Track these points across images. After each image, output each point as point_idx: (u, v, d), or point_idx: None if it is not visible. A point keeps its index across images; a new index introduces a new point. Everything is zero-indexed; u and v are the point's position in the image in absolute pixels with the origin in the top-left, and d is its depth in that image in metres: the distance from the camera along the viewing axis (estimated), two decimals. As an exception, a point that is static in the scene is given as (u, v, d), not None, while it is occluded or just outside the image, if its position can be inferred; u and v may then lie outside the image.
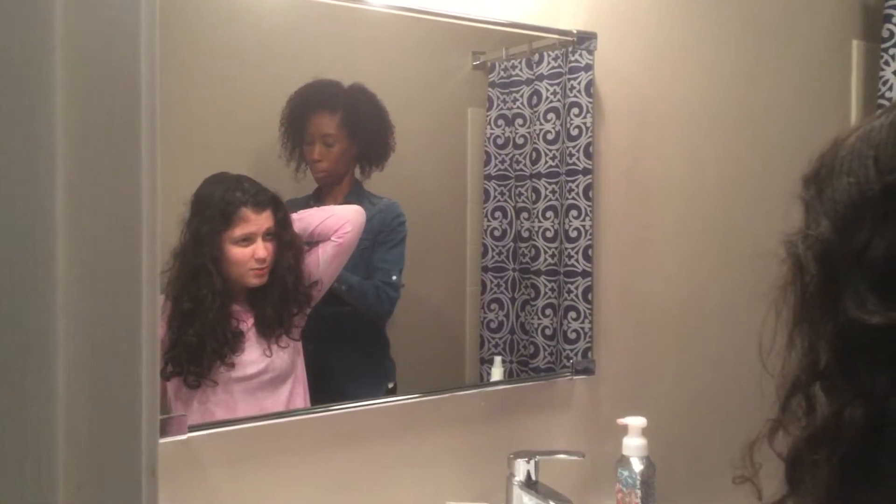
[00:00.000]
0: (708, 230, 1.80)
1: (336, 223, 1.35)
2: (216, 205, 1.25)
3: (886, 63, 1.90)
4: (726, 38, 1.82)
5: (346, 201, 1.39)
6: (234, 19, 1.29)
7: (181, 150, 1.22)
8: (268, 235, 1.29)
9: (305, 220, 1.35)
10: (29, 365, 0.38)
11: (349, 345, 1.43)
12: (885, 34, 1.90)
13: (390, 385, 1.45)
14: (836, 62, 1.99)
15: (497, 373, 1.56)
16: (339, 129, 1.38)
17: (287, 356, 1.33)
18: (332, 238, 1.35)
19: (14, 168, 0.38)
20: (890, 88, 1.87)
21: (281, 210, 1.31)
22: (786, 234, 0.67)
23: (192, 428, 1.20)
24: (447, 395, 1.48)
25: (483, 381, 1.56)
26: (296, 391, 1.34)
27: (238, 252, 1.27)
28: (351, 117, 1.38)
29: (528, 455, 1.42)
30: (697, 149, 1.79)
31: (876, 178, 0.60)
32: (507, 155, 1.57)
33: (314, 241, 1.35)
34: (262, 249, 1.28)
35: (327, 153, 1.37)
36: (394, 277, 1.43)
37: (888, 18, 1.89)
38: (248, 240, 1.27)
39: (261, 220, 1.28)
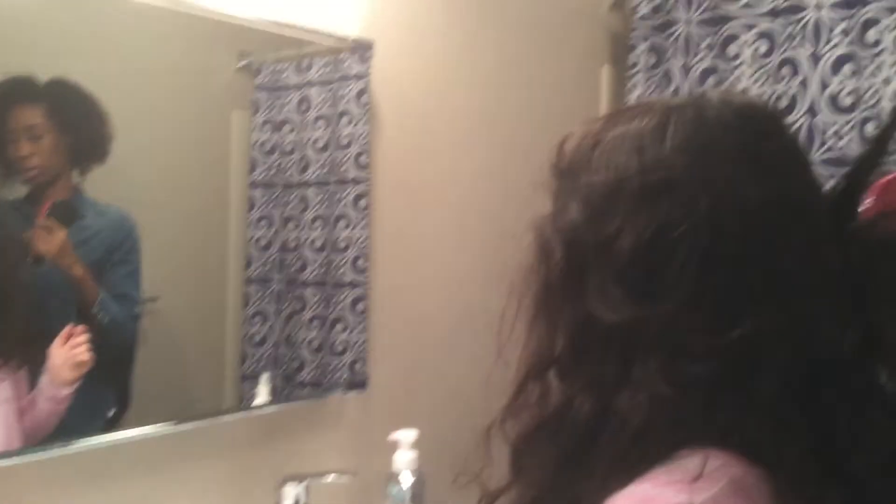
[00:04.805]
0: (482, 244, 1.83)
1: None
2: None
3: (632, 88, 2.05)
4: (500, 57, 1.87)
5: (65, 208, 1.21)
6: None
7: None
8: None
9: None
10: None
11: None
12: (632, 61, 2.05)
13: (110, 413, 1.30)
14: (588, 84, 2.12)
15: (263, 392, 1.48)
16: (46, 119, 1.20)
17: None
18: None
19: None
20: (635, 111, 2.03)
21: None
22: (534, 220, 0.66)
23: None
24: (207, 421, 1.37)
25: (246, 399, 1.47)
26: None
27: None
28: (56, 105, 1.21)
29: (298, 479, 1.36)
30: (473, 163, 1.82)
31: (637, 174, 0.60)
32: (274, 162, 1.50)
33: None
34: None
35: (36, 147, 1.19)
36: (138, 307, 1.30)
37: (633, 47, 2.05)
38: None
39: None
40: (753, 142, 0.60)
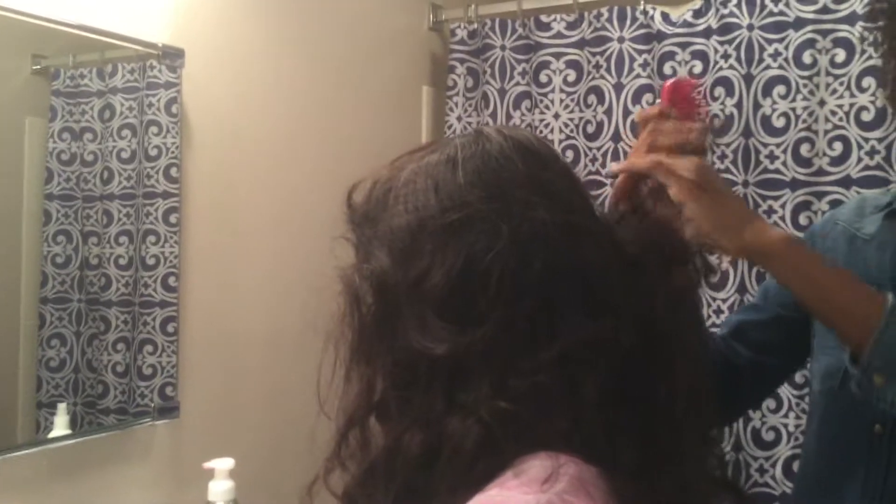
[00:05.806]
0: (301, 260, 1.79)
1: None
2: None
3: (451, 109, 2.10)
4: (319, 70, 1.85)
5: None
6: None
7: None
8: None
9: None
10: None
11: None
12: (451, 83, 2.10)
13: None
14: (410, 103, 2.14)
15: (61, 422, 1.36)
16: None
17: None
18: None
19: None
20: (454, 131, 2.07)
21: None
22: (340, 268, 0.66)
23: None
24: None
25: (43, 430, 1.35)
26: None
27: None
28: None
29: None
30: (291, 177, 1.78)
31: (437, 212, 0.62)
32: (73, 172, 1.40)
33: None
34: None
35: None
36: None
37: (452, 69, 2.10)
38: None
39: None
40: (536, 170, 0.65)
